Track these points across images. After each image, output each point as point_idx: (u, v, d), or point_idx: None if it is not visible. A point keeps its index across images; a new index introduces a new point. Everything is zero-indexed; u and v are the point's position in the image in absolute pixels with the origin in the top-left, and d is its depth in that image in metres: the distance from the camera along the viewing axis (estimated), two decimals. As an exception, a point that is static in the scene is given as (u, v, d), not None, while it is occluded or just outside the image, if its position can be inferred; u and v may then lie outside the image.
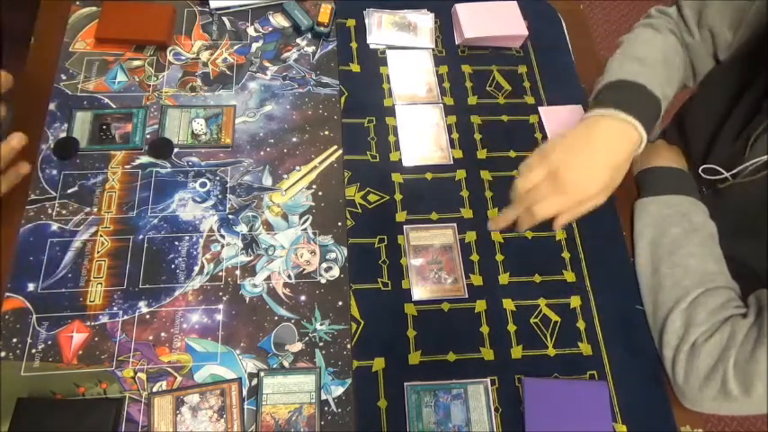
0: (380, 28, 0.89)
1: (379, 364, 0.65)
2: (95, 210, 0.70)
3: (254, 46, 0.85)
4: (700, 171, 0.78)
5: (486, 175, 0.79)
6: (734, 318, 0.63)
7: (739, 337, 0.60)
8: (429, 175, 0.78)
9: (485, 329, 0.68)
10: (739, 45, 0.75)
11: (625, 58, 0.73)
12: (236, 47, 0.84)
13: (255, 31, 0.86)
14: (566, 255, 0.74)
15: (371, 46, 0.87)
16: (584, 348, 0.68)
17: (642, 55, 0.73)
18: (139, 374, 0.62)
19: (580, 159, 0.62)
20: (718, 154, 0.78)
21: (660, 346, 0.67)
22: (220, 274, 0.68)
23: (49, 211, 0.69)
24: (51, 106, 0.76)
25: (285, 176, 0.75)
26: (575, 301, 0.71)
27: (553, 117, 0.84)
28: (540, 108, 0.85)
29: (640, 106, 0.65)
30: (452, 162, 0.79)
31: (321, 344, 0.65)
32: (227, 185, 0.74)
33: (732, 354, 0.60)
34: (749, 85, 0.74)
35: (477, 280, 0.71)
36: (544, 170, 0.62)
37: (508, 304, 0.70)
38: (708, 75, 0.81)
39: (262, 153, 0.76)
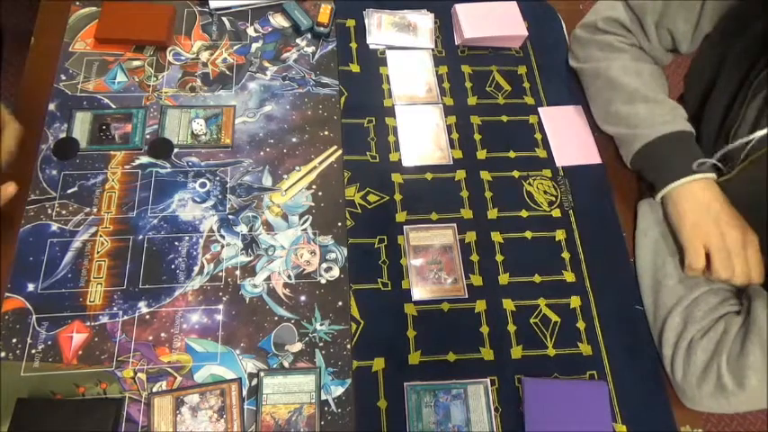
0: (380, 28, 0.89)
1: (378, 364, 0.65)
2: (95, 210, 0.70)
3: (254, 46, 0.85)
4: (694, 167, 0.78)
5: (485, 175, 0.79)
6: (728, 315, 0.64)
7: (732, 332, 0.61)
8: (429, 176, 0.78)
9: (485, 329, 0.68)
10: (699, 42, 0.76)
11: (646, 100, 0.75)
12: (235, 47, 0.84)
13: (255, 31, 0.86)
14: (566, 255, 0.74)
15: (371, 46, 0.87)
16: (584, 348, 0.68)
17: (657, 96, 0.76)
18: (139, 375, 0.62)
19: (707, 221, 0.68)
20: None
21: (659, 344, 0.67)
22: (220, 274, 0.68)
23: (49, 211, 0.69)
24: (51, 106, 0.76)
25: (285, 177, 0.75)
26: (575, 301, 0.71)
27: (553, 117, 0.84)
28: (539, 109, 0.85)
29: (697, 153, 0.71)
30: (452, 162, 0.79)
31: (321, 344, 0.65)
32: (227, 186, 0.74)
33: (725, 349, 0.61)
34: (714, 84, 0.75)
35: (477, 280, 0.71)
36: (721, 253, 0.66)
37: (508, 304, 0.70)
38: (684, 78, 0.81)
39: (262, 153, 0.76)
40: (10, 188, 0.63)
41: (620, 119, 0.77)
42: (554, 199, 0.78)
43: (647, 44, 0.79)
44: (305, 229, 0.72)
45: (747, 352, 0.59)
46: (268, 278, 0.68)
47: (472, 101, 0.85)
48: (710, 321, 0.64)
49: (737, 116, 0.69)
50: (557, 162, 0.80)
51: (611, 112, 0.78)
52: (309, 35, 0.87)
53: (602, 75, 0.79)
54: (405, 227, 0.73)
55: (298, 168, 0.76)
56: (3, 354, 0.61)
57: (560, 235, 0.75)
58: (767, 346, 0.58)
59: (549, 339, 0.69)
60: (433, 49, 0.88)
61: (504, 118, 0.84)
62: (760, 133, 0.64)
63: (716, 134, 0.74)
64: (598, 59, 0.81)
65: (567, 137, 0.83)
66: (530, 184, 0.79)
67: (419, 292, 0.70)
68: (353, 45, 0.87)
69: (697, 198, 0.69)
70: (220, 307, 0.66)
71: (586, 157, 0.81)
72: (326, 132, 0.79)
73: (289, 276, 0.69)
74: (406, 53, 0.87)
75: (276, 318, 0.66)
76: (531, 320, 0.69)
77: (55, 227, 0.68)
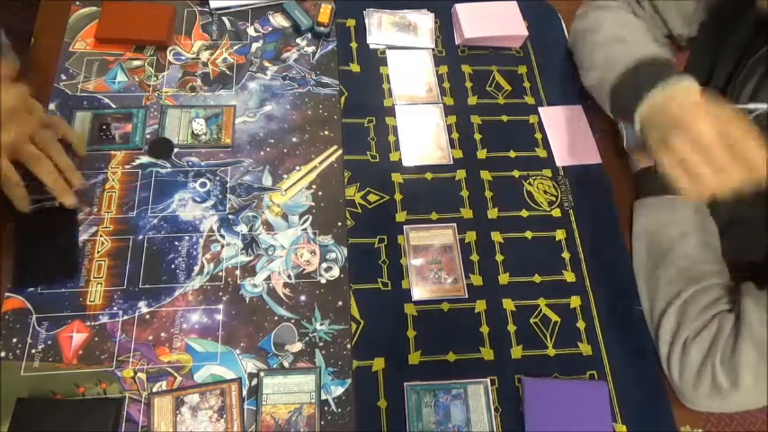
0: (380, 28, 0.89)
1: (378, 364, 0.65)
2: (95, 210, 0.70)
3: (254, 46, 0.85)
4: None
5: (486, 175, 0.79)
6: (722, 313, 0.64)
7: (726, 330, 0.61)
8: (429, 175, 0.78)
9: (485, 329, 0.68)
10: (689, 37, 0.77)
11: (622, 43, 0.74)
12: (236, 47, 0.84)
13: (255, 31, 0.86)
14: (566, 255, 0.74)
15: (371, 46, 0.87)
16: (584, 348, 0.68)
17: (627, 36, 0.74)
18: (139, 374, 0.62)
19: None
20: None
21: (657, 345, 0.67)
22: (220, 274, 0.68)
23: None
24: (51, 106, 0.76)
25: (285, 176, 0.75)
26: (575, 301, 0.71)
27: (553, 117, 0.84)
28: (539, 108, 0.85)
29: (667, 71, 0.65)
30: (452, 162, 0.79)
31: (321, 344, 0.65)
32: (227, 185, 0.74)
33: (719, 348, 0.61)
34: (712, 75, 0.75)
35: (477, 280, 0.71)
36: (703, 152, 0.56)
37: (508, 304, 0.70)
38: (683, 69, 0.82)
39: (262, 153, 0.76)
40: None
41: (601, 62, 0.74)
42: (554, 199, 0.78)
43: (642, 12, 0.79)
44: (305, 229, 0.72)
45: (740, 351, 0.59)
46: (268, 278, 0.68)
47: (472, 101, 0.85)
48: (704, 320, 0.64)
49: (732, 97, 0.69)
50: (557, 162, 0.80)
51: (594, 61, 0.76)
52: (310, 35, 0.87)
53: (593, 29, 0.79)
54: (405, 227, 0.73)
55: (298, 168, 0.76)
56: (3, 353, 0.61)
57: (560, 235, 0.75)
58: (761, 344, 0.58)
59: (549, 339, 0.69)
60: (433, 49, 0.88)
61: (505, 118, 0.84)
62: (761, 106, 0.63)
63: None
64: (594, 18, 0.81)
65: (568, 137, 0.83)
66: (530, 183, 0.79)
67: (419, 291, 0.70)
68: (354, 45, 0.87)
69: (678, 102, 0.61)
70: (220, 307, 0.66)
71: (586, 157, 0.81)
72: (327, 132, 0.79)
73: (289, 276, 0.69)
74: (407, 53, 0.87)
75: (276, 318, 0.66)
76: (531, 320, 0.69)
77: (55, 227, 0.68)
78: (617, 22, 0.78)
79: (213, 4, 0.86)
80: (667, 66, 0.67)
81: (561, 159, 0.81)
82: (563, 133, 0.83)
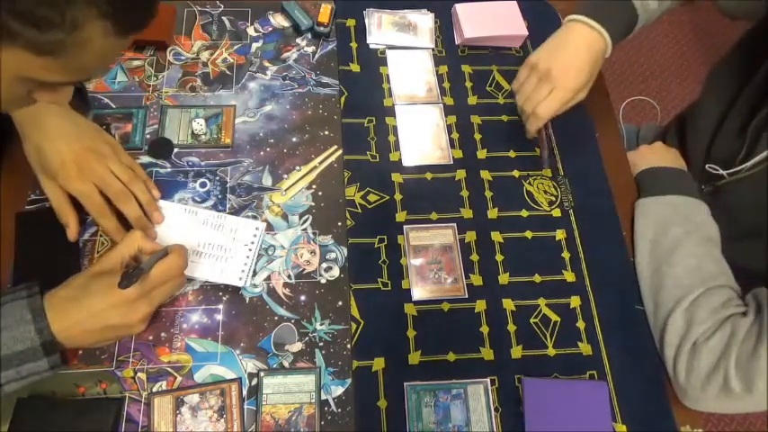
0: (380, 28, 0.89)
1: (378, 364, 0.65)
2: (95, 210, 0.70)
3: (254, 46, 0.85)
4: (706, 167, 0.78)
5: (486, 175, 0.79)
6: (734, 316, 0.63)
7: (740, 335, 0.61)
8: (429, 175, 0.78)
9: (485, 329, 0.68)
10: (739, 39, 0.75)
11: None
12: (236, 47, 0.84)
13: (255, 31, 0.86)
14: (566, 255, 0.74)
15: (371, 46, 0.87)
16: (584, 348, 0.68)
17: None
18: (139, 374, 0.62)
19: (565, 56, 0.73)
20: (719, 152, 0.78)
21: (661, 345, 0.67)
22: (220, 274, 0.68)
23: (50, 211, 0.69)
24: (51, 106, 0.76)
25: (285, 176, 0.75)
26: (575, 301, 0.71)
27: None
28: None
29: (613, 15, 0.74)
30: (452, 162, 0.79)
31: (321, 344, 0.65)
32: (227, 185, 0.74)
33: (733, 352, 0.60)
34: (747, 82, 0.74)
35: (477, 280, 0.71)
36: (536, 75, 0.73)
37: (508, 304, 0.70)
38: (709, 74, 0.81)
39: (262, 153, 0.76)
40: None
41: None
42: (554, 199, 0.78)
43: None
44: (305, 229, 0.72)
45: (759, 356, 0.58)
46: (268, 278, 0.68)
47: (472, 100, 0.85)
48: (715, 323, 0.63)
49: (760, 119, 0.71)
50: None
51: None
52: (309, 35, 0.87)
53: None
54: (405, 226, 0.73)
55: (298, 168, 0.76)
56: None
57: (560, 235, 0.75)
58: None
59: (549, 339, 0.68)
60: (433, 49, 0.88)
61: (505, 118, 0.84)
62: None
63: (735, 133, 0.75)
64: None
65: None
66: (530, 183, 0.79)
67: (419, 291, 0.70)
68: (354, 45, 0.87)
69: (585, 37, 0.72)
70: (220, 307, 0.66)
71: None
72: (327, 132, 0.79)
73: (289, 276, 0.69)
74: (407, 53, 0.87)
75: (276, 317, 0.66)
76: (531, 320, 0.69)
77: (55, 227, 0.68)
78: None
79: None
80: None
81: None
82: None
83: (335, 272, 0.70)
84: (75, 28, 0.38)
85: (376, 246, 0.72)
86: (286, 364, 0.64)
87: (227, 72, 0.82)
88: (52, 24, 0.38)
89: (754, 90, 0.74)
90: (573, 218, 0.77)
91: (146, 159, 0.74)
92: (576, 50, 0.72)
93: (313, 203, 0.74)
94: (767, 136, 0.71)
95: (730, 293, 0.66)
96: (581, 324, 0.70)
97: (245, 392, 0.62)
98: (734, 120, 0.77)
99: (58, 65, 0.41)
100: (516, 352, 0.67)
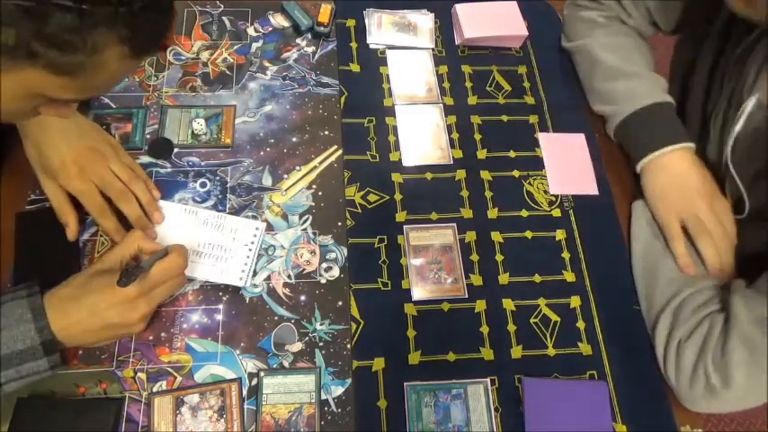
0: (380, 28, 0.89)
1: (378, 364, 0.65)
2: (95, 210, 0.70)
3: (254, 46, 0.85)
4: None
5: (486, 175, 0.79)
6: (713, 313, 0.64)
7: (716, 331, 0.61)
8: (429, 175, 0.78)
9: (485, 329, 0.68)
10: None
11: (626, 76, 0.78)
12: (236, 47, 0.84)
13: (255, 31, 0.86)
14: (566, 255, 0.74)
15: (371, 46, 0.87)
16: (584, 348, 0.68)
17: (635, 69, 0.78)
18: (139, 374, 0.62)
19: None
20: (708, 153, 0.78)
21: (654, 346, 0.67)
22: (220, 274, 0.68)
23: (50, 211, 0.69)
24: (51, 106, 0.76)
25: (285, 176, 0.75)
26: (575, 301, 0.71)
27: (553, 144, 0.82)
28: (540, 135, 0.82)
29: (674, 123, 0.75)
30: (452, 162, 0.79)
31: (321, 344, 0.65)
32: (227, 185, 0.74)
33: (710, 348, 0.61)
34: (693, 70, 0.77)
35: (477, 280, 0.71)
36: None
37: (508, 304, 0.70)
38: (683, 77, 0.82)
39: (262, 153, 0.76)
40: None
41: (602, 96, 0.80)
42: (554, 199, 0.78)
43: (628, 18, 0.81)
44: (305, 229, 0.72)
45: (730, 349, 0.59)
46: (268, 278, 0.68)
47: (472, 100, 0.85)
48: (696, 321, 0.64)
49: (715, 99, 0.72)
50: (551, 190, 0.78)
51: (594, 89, 0.81)
52: (309, 35, 0.87)
53: (585, 52, 0.83)
54: (405, 226, 0.73)
55: (298, 168, 0.76)
56: (3, 353, 0.61)
57: (560, 235, 0.75)
58: (750, 342, 0.58)
59: (549, 339, 0.68)
60: (433, 49, 0.88)
61: (505, 118, 0.84)
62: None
63: (700, 117, 0.76)
64: (582, 36, 0.84)
65: (566, 165, 0.81)
66: (530, 183, 0.79)
67: (419, 291, 0.70)
68: (354, 45, 0.87)
69: (673, 169, 0.71)
70: (220, 307, 0.66)
71: (584, 186, 0.79)
72: (327, 132, 0.79)
73: (289, 276, 0.69)
74: (407, 53, 0.87)
75: (276, 317, 0.66)
76: (531, 320, 0.69)
77: (55, 227, 0.68)
78: (611, 48, 0.80)
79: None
80: (671, 121, 0.75)
81: (556, 187, 0.78)
82: (562, 161, 0.81)
83: (335, 272, 0.70)
84: (96, 51, 0.40)
85: (376, 246, 0.72)
86: (286, 364, 0.64)
87: (228, 72, 0.82)
88: (75, 48, 0.39)
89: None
90: (573, 218, 0.77)
91: (146, 159, 0.74)
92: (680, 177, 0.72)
93: (313, 203, 0.74)
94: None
95: (713, 292, 0.66)
96: (581, 324, 0.70)
97: (245, 392, 0.62)
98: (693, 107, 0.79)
99: (74, 84, 0.42)
100: (516, 352, 0.67)
